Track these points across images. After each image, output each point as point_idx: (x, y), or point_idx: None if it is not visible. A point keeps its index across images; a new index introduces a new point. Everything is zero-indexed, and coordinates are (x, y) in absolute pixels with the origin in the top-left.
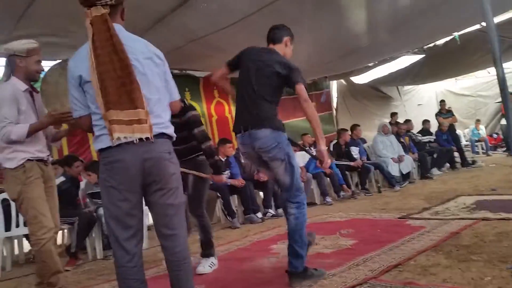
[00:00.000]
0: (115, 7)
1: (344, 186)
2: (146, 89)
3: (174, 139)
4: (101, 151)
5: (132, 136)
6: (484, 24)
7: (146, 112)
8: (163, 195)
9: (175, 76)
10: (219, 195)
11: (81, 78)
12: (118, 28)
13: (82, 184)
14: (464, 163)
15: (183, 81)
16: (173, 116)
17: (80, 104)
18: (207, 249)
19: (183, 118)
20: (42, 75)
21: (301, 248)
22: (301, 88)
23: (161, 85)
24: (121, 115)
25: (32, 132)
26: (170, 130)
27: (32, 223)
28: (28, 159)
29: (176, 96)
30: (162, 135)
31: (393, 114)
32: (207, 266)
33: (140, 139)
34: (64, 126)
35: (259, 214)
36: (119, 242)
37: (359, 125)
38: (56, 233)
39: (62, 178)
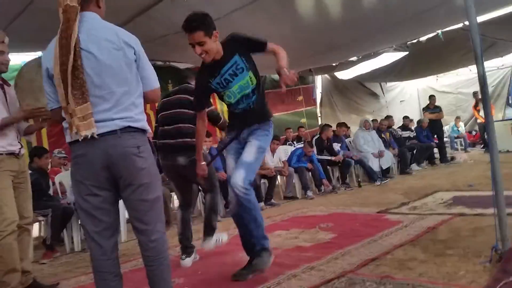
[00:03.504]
0: None
1: (324, 180)
2: (111, 81)
3: (148, 132)
4: (69, 144)
5: (87, 132)
6: (467, 23)
7: (89, 106)
8: (134, 191)
9: (158, 68)
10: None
11: (48, 71)
12: (90, 17)
13: (60, 177)
14: (443, 159)
15: (166, 73)
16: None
17: (50, 97)
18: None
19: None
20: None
21: None
22: None
23: (130, 76)
24: (77, 109)
25: (4, 126)
26: (141, 123)
27: None
28: None
29: (154, 85)
30: (129, 128)
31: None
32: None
33: (103, 134)
34: (31, 122)
35: None
36: (91, 236)
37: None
38: (30, 224)
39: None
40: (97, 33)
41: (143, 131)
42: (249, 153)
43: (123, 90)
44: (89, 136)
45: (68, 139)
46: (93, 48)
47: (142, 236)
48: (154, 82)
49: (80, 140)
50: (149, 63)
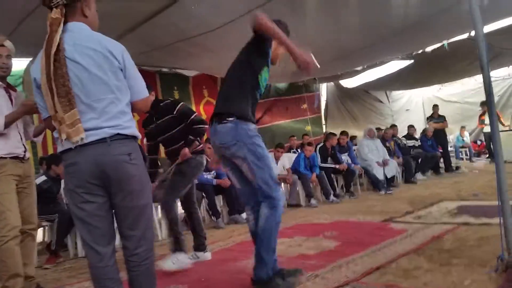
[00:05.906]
0: (71, 6)
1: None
2: (98, 89)
3: (138, 138)
4: (60, 154)
5: (77, 138)
6: (473, 33)
7: (76, 112)
8: (125, 197)
9: (164, 75)
10: (204, 194)
11: (36, 81)
12: (75, 26)
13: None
14: (448, 168)
15: (172, 80)
16: (168, 112)
17: (41, 107)
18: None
19: (176, 113)
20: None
21: (266, 253)
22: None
23: (118, 84)
24: (66, 116)
25: (9, 123)
26: (130, 130)
27: None
28: (1, 157)
29: (142, 94)
30: (118, 135)
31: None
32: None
33: (93, 142)
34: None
35: (244, 215)
36: (87, 243)
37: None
38: (34, 230)
39: (43, 177)
40: (82, 43)
41: (134, 137)
42: None
43: (110, 98)
44: (79, 141)
45: (59, 148)
46: (78, 57)
47: (128, 242)
48: (142, 91)
49: (72, 147)
50: (137, 72)
